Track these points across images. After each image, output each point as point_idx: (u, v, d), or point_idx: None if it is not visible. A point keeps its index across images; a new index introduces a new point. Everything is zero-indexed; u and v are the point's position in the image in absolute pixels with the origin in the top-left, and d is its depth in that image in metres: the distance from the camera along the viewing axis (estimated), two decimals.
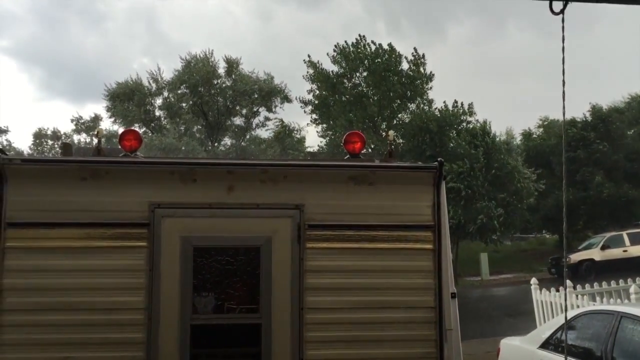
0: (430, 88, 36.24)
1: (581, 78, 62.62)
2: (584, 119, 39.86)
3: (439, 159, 4.56)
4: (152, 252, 4.28)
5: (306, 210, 4.42)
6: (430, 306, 4.44)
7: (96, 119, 42.25)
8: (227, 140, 37.22)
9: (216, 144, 35.82)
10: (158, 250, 4.29)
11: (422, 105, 35.80)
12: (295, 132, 36.75)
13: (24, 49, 64.64)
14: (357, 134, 5.15)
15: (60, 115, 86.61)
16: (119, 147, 5.00)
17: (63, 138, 43.16)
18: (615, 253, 28.37)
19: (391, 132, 6.02)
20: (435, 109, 34.54)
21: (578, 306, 10.04)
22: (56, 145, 43.64)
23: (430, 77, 35.86)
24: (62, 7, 68.54)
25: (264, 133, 37.78)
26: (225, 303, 4.41)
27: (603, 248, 28.86)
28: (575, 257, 29.36)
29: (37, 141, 45.48)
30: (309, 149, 37.38)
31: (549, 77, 65.93)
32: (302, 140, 38.10)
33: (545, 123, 43.15)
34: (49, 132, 45.41)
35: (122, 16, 67.30)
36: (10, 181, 4.23)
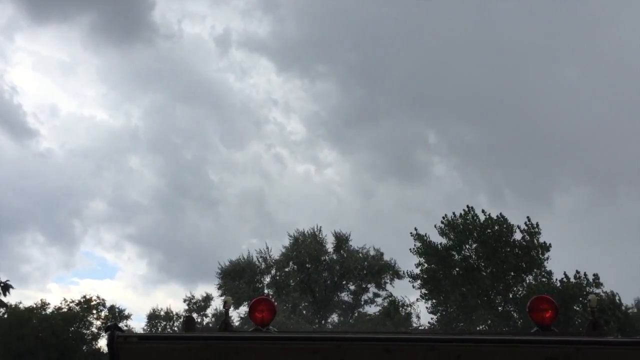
0: (547, 259, 34.05)
1: None
2: None
3: None
4: None
5: None
6: None
7: (207, 299, 42.85)
8: (335, 317, 36.18)
9: (323, 321, 34.82)
10: None
11: (539, 278, 33.44)
12: (405, 307, 35.13)
13: (146, 235, 69.61)
14: (546, 299, 4.18)
15: (174, 297, 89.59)
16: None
17: (175, 318, 43.76)
18: None
19: (593, 297, 4.89)
20: (556, 280, 32.10)
21: None
22: (168, 327, 44.12)
23: (546, 247, 33.87)
24: (181, 195, 74.35)
25: (372, 309, 36.48)
26: None
27: None
28: None
29: (151, 322, 46.29)
30: (418, 327, 35.38)
31: None
32: (409, 316, 36.29)
33: None
34: (162, 313, 46.31)
35: (233, 201, 71.76)
36: None
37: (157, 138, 76.95)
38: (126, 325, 42.50)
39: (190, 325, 4.94)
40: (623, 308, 30.81)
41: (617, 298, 30.50)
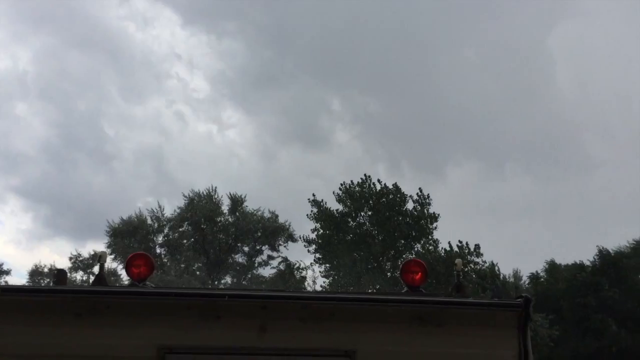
0: (435, 228, 35.82)
1: (584, 221, 62.76)
2: (593, 263, 39.06)
3: (524, 295, 3.64)
4: None
5: (359, 358, 3.47)
6: None
7: (95, 257, 41.22)
8: (228, 279, 36.15)
9: (216, 282, 34.70)
10: None
11: (427, 246, 35.14)
12: (300, 270, 35.76)
13: (32, 188, 65.27)
14: (417, 262, 4.36)
15: (61, 254, 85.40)
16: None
17: None
18: None
19: (459, 261, 5.14)
20: (442, 249, 33.86)
21: None
22: (52, 284, 42.15)
23: (435, 217, 35.56)
24: (72, 148, 70.26)
25: (267, 271, 36.80)
26: None
27: None
28: None
29: (33, 279, 44.02)
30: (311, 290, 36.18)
31: (550, 219, 66.09)
32: (303, 279, 36.97)
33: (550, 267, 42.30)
34: (45, 270, 44.12)
35: (129, 157, 68.92)
36: None
37: (48, 85, 71.84)
38: (5, 282, 40.23)
39: (62, 278, 4.70)
40: (501, 277, 33.15)
41: (496, 268, 32.71)
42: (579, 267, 38.95)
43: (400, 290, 4.42)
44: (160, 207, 36.06)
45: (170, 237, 35.64)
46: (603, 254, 39.36)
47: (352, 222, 36.33)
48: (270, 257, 36.80)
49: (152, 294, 3.71)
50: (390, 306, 3.69)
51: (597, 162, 70.47)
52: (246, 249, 36.51)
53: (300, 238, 36.79)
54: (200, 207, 34.55)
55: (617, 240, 44.74)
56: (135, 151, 68.32)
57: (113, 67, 77.38)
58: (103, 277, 4.31)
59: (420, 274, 4.27)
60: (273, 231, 35.36)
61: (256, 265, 37.02)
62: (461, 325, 3.59)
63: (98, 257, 4.44)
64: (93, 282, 4.34)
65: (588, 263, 39.33)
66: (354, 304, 3.72)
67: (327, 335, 3.51)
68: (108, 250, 34.80)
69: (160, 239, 36.01)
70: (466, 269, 32.69)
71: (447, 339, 3.55)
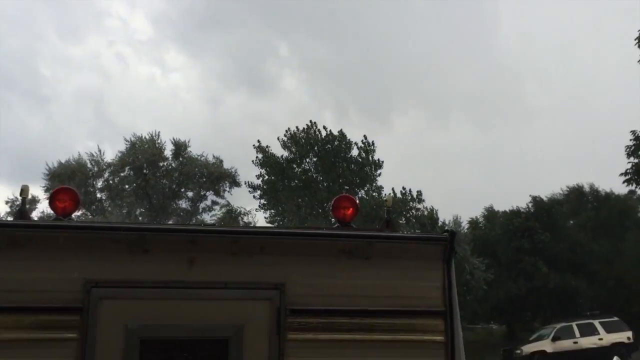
0: (379, 175, 36.33)
1: (522, 169, 65.06)
2: (528, 209, 40.79)
3: (449, 229, 3.76)
4: (86, 347, 3.27)
5: (288, 291, 3.49)
6: None
7: (33, 201, 39.93)
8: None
9: None
10: (93, 343, 3.28)
11: (371, 192, 35.68)
12: (243, 215, 35.74)
13: None
14: (348, 197, 4.38)
15: None
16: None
17: None
18: (566, 345, 28.08)
19: (389, 196, 5.20)
20: (385, 195, 34.44)
21: None
22: None
23: (379, 164, 36.00)
24: (5, 89, 66.92)
25: (211, 217, 36.58)
26: None
27: (554, 339, 28.48)
28: (527, 348, 28.95)
29: None
30: None
31: (491, 168, 68.25)
32: (247, 225, 37.05)
33: (489, 213, 43.90)
34: None
35: (68, 99, 66.22)
36: None
37: None
38: None
39: None
40: (440, 223, 34.12)
41: (434, 213, 33.64)
42: (515, 213, 40.69)
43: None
44: (100, 151, 35.01)
45: (111, 181, 34.78)
46: (537, 201, 41.20)
47: (297, 168, 36.39)
48: (214, 203, 36.62)
49: (77, 227, 3.63)
50: (319, 240, 3.73)
51: (537, 112, 72.61)
52: (190, 194, 36.15)
53: (245, 184, 36.69)
54: (143, 151, 33.70)
55: (552, 187, 46.75)
56: (73, 93, 65.79)
57: (48, 4, 73.26)
58: (25, 210, 4.16)
59: (351, 209, 4.29)
60: (217, 177, 35.02)
61: (200, 210, 36.78)
62: (389, 258, 3.67)
63: (20, 191, 4.26)
64: (15, 216, 4.20)
65: (523, 209, 41.12)
66: (283, 238, 3.76)
67: (257, 269, 3.52)
68: (45, 195, 33.70)
69: (100, 183, 35.13)
70: (408, 215, 33.51)
71: (375, 271, 3.63)
